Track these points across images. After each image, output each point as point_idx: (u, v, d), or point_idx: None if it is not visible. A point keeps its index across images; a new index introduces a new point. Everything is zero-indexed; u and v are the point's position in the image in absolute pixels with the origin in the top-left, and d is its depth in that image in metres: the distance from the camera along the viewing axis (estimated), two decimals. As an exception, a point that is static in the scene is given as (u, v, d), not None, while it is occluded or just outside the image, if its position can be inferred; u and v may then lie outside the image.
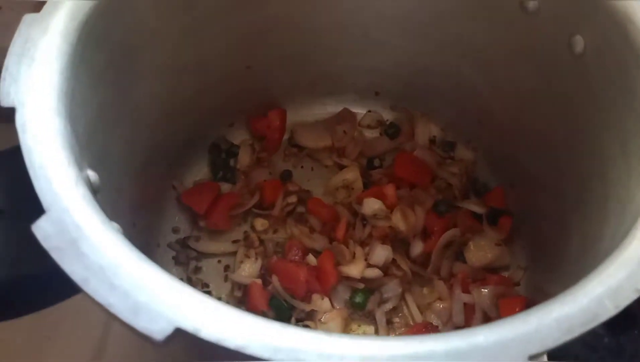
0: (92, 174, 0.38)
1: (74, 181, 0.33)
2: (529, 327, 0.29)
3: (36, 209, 0.32)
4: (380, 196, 0.64)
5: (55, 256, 0.30)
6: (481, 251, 0.62)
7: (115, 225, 0.35)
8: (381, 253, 0.61)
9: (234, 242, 0.65)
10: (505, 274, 0.62)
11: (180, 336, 0.28)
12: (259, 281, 0.61)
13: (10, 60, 0.36)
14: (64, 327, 0.62)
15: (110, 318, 0.61)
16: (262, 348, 0.27)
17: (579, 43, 0.48)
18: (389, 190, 0.64)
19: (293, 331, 0.28)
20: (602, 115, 0.48)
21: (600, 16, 0.45)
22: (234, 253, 0.64)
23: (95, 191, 0.39)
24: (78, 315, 0.63)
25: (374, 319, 0.60)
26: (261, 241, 0.65)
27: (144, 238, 0.60)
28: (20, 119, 0.34)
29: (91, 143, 0.42)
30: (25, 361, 0.61)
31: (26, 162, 0.33)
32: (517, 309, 0.56)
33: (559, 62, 0.51)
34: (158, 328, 0.28)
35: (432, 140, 0.71)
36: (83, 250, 0.30)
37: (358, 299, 0.60)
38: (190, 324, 0.28)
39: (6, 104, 0.35)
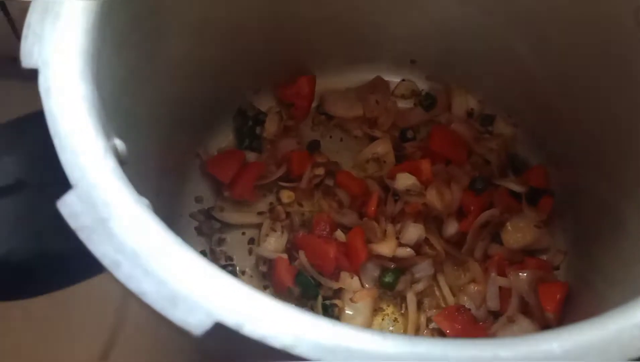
0: (119, 143, 0.35)
1: (102, 153, 0.30)
2: (606, 333, 0.26)
3: (61, 181, 0.29)
4: (415, 171, 0.60)
5: (83, 236, 0.27)
6: (519, 232, 0.59)
7: (145, 201, 0.33)
8: (413, 232, 0.58)
9: (259, 213, 0.62)
10: (544, 257, 0.59)
11: (219, 331, 0.25)
12: (285, 256, 0.58)
13: (32, 16, 0.33)
14: (79, 308, 0.60)
15: (127, 301, 0.59)
16: (312, 348, 0.25)
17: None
18: (425, 165, 0.60)
19: (346, 330, 0.25)
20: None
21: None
22: (259, 225, 0.61)
23: (123, 162, 0.36)
24: (93, 296, 0.60)
25: (404, 299, 0.58)
26: (287, 214, 0.62)
27: (167, 208, 0.58)
28: (44, 82, 0.31)
29: (117, 109, 0.39)
30: (45, 326, 0.60)
31: (51, 130, 0.30)
32: (558, 296, 0.53)
33: (622, 34, 0.46)
34: (196, 321, 0.25)
35: (470, 113, 0.67)
36: (114, 230, 0.27)
37: (388, 278, 0.57)
38: (232, 319, 0.25)
39: (28, 65, 0.32)
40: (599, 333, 0.26)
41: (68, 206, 0.28)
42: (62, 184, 0.29)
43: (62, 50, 0.33)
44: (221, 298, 0.26)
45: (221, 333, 0.25)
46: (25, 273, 0.31)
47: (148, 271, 0.26)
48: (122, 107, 0.41)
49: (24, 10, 0.34)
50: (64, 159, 0.29)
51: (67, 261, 0.31)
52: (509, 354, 0.25)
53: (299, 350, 0.25)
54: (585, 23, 0.50)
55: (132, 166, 0.41)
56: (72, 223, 0.27)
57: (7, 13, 0.67)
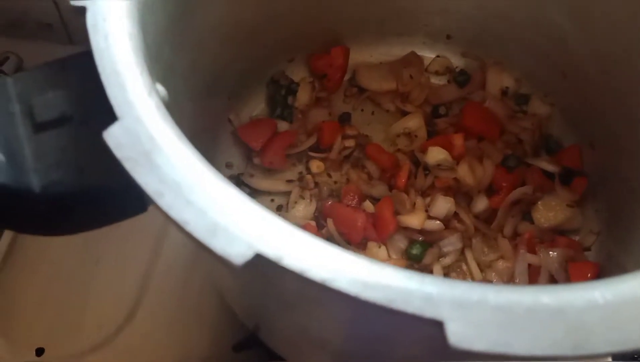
0: (161, 89, 0.36)
1: (147, 90, 0.30)
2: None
3: (106, 118, 0.29)
4: (447, 146, 0.60)
5: (128, 166, 0.27)
6: (551, 211, 0.58)
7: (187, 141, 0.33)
8: (443, 205, 0.58)
9: (289, 181, 0.62)
10: (576, 238, 0.58)
11: (259, 262, 0.25)
12: (313, 223, 0.59)
13: (81, -45, 0.33)
14: (112, 253, 0.62)
15: (159, 248, 0.60)
16: (350, 283, 0.25)
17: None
18: (457, 140, 0.60)
19: (385, 267, 0.25)
20: None
21: None
22: (288, 193, 0.62)
23: (165, 105, 0.36)
24: (127, 242, 0.62)
25: (431, 273, 0.57)
26: (316, 184, 0.62)
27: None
28: (91, 19, 0.31)
29: (159, 57, 0.40)
30: (73, 285, 0.61)
31: (97, 65, 0.30)
32: (588, 275, 0.53)
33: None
34: (237, 252, 0.25)
35: (504, 92, 0.66)
36: (157, 162, 0.27)
37: (415, 251, 0.57)
38: (273, 251, 0.25)
39: (77, 2, 0.32)
40: (642, 285, 0.25)
41: (114, 137, 0.28)
42: (107, 120, 0.29)
43: (109, -9, 0.33)
44: (261, 230, 0.26)
45: (261, 264, 0.25)
46: (65, 207, 0.31)
47: (190, 201, 0.26)
48: (163, 57, 0.41)
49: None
50: (110, 93, 0.29)
51: (107, 198, 0.31)
52: (550, 300, 0.24)
53: (338, 284, 0.25)
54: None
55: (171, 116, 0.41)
56: (118, 153, 0.27)
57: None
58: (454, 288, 0.25)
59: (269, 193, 0.62)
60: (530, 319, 0.24)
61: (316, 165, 0.63)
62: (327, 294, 0.25)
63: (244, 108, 0.65)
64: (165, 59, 0.41)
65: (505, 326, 0.24)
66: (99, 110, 0.30)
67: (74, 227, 0.33)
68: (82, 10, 0.32)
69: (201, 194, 0.27)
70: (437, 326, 0.24)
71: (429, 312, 0.24)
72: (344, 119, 0.66)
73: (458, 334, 0.24)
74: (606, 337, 0.24)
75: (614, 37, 0.52)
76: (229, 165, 0.63)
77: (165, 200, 0.26)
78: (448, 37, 0.67)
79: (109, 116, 0.29)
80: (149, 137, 0.28)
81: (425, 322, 0.24)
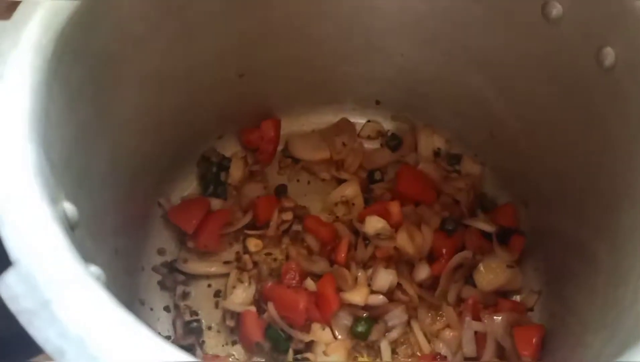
0: (69, 208, 0.33)
1: (47, 223, 0.28)
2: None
3: (4, 257, 0.27)
4: (384, 214, 0.59)
5: (24, 320, 0.25)
6: (492, 273, 0.58)
7: (96, 270, 0.31)
8: (385, 278, 0.57)
9: (226, 263, 0.60)
10: (517, 298, 0.58)
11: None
12: (253, 309, 0.56)
13: (-28, 78, 0.31)
14: None
15: None
16: None
17: (609, 55, 0.44)
18: (394, 207, 0.59)
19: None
20: (632, 133, 0.44)
21: (634, 25, 0.41)
22: (226, 276, 0.59)
23: (72, 226, 0.34)
24: None
25: (379, 349, 0.56)
26: (255, 263, 0.60)
27: (127, 263, 0.55)
28: (-18, 151, 0.29)
29: (69, 168, 0.37)
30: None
31: (-11, 203, 0.28)
32: (534, 340, 0.52)
33: (584, 75, 0.47)
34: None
35: (436, 153, 0.66)
36: (58, 314, 0.25)
37: (361, 328, 0.55)
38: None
39: (-34, 130, 0.30)
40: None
41: (8, 287, 0.25)
42: (5, 260, 0.26)
43: (5, 114, 0.31)
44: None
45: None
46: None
47: (95, 359, 0.24)
48: (74, 166, 0.39)
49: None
50: (3, 233, 0.27)
51: (7, 343, 0.28)
52: None
53: None
54: (548, 67, 0.50)
55: (86, 227, 0.39)
56: (13, 307, 0.25)
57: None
58: None
59: (205, 277, 0.60)
60: None
61: (254, 244, 0.61)
62: None
63: (174, 189, 0.63)
64: (75, 168, 0.39)
65: None
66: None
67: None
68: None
69: (108, 349, 0.24)
70: None
71: None
72: (280, 191, 0.64)
73: None
74: None
75: (534, 102, 0.53)
76: (161, 252, 0.60)
77: (67, 359, 0.24)
78: (377, 102, 0.67)
79: (6, 257, 0.27)
80: (47, 282, 0.26)
81: None
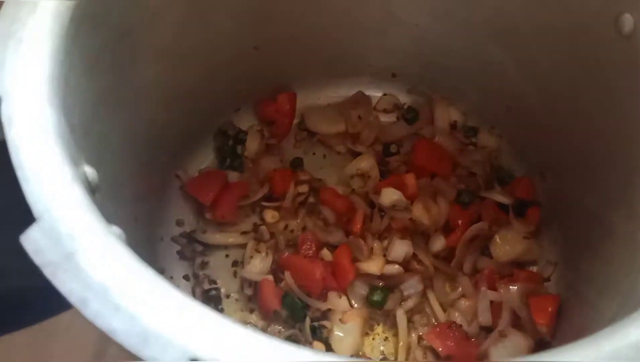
0: (89, 171, 0.34)
1: (69, 183, 0.29)
2: (601, 354, 0.25)
3: (27, 213, 0.27)
4: (400, 186, 0.59)
5: (49, 272, 0.25)
6: (508, 244, 0.58)
7: (117, 230, 0.31)
8: (401, 248, 0.57)
9: (243, 233, 0.61)
10: (534, 269, 0.58)
11: (196, 367, 0.24)
12: (271, 278, 0.57)
13: (-7, 42, 0.31)
14: (59, 344, 0.58)
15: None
16: (293, 384, 0.23)
17: (628, 22, 0.43)
18: (410, 179, 0.59)
19: (335, 359, 0.24)
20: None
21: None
22: (243, 246, 0.60)
23: (93, 190, 0.34)
24: (72, 331, 0.59)
25: (394, 318, 0.56)
26: (272, 234, 0.60)
27: (147, 232, 0.56)
28: (6, 111, 0.30)
29: (88, 134, 0.38)
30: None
31: (13, 161, 0.28)
32: (549, 309, 0.52)
33: (603, 44, 0.46)
34: (170, 359, 0.24)
35: (453, 126, 0.66)
36: (81, 265, 0.26)
37: (376, 297, 0.56)
38: (208, 354, 0.24)
39: (-10, 92, 0.30)
40: (593, 354, 0.25)
41: (32, 241, 0.26)
42: (27, 218, 0.27)
43: (25, 77, 0.31)
44: (197, 333, 0.24)
45: (197, 371, 0.24)
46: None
47: (118, 307, 0.25)
48: (93, 132, 0.39)
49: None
50: (27, 190, 0.28)
51: (33, 298, 0.29)
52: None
53: (281, 387, 0.23)
54: (567, 37, 0.49)
55: (106, 192, 0.40)
56: (37, 259, 0.26)
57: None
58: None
59: (223, 247, 0.61)
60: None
61: (271, 215, 0.61)
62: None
63: (192, 162, 0.63)
64: (96, 133, 0.40)
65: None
66: (19, 206, 0.28)
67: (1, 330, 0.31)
68: (-4, 101, 0.31)
69: (131, 297, 0.25)
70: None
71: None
72: (296, 165, 0.65)
73: None
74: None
75: (553, 73, 0.53)
76: (179, 223, 0.61)
77: (91, 308, 0.25)
78: (393, 75, 0.67)
79: (29, 215, 0.27)
80: (70, 236, 0.27)
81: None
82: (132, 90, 0.47)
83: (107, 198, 0.39)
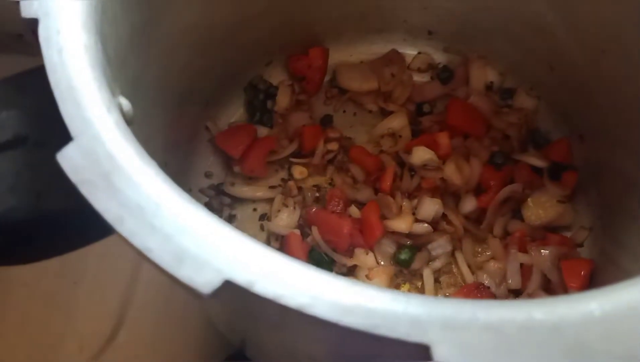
0: (125, 103, 0.34)
1: (106, 106, 0.28)
2: (650, 295, 0.24)
3: (63, 138, 0.27)
4: (432, 145, 0.58)
5: (85, 190, 0.25)
6: (541, 208, 0.56)
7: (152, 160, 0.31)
8: (430, 207, 0.56)
9: (271, 188, 0.61)
10: (567, 234, 0.57)
11: (230, 289, 0.24)
12: (298, 232, 0.57)
13: (31, -37, 0.31)
14: (91, 272, 0.59)
15: (139, 264, 0.58)
16: (330, 308, 0.23)
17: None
18: (443, 138, 0.58)
19: (366, 289, 0.23)
20: None
21: None
22: (271, 200, 0.60)
23: (128, 122, 0.34)
24: (106, 259, 0.60)
25: (421, 277, 0.56)
26: (299, 189, 0.60)
27: (175, 181, 0.56)
28: (44, 32, 0.29)
29: (123, 69, 0.38)
30: (52, 306, 0.59)
31: (51, 81, 0.28)
32: (582, 273, 0.51)
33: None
34: (204, 280, 0.23)
35: (489, 87, 0.64)
36: (118, 185, 0.25)
37: (404, 256, 0.55)
38: (244, 276, 0.23)
39: (28, 14, 0.30)
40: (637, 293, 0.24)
41: (69, 159, 0.26)
42: (64, 140, 0.27)
43: (64, 1, 0.31)
44: (231, 255, 0.24)
45: (231, 292, 0.23)
46: (23, 235, 0.29)
47: (154, 226, 0.24)
48: (128, 68, 0.39)
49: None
50: (64, 110, 0.27)
51: (69, 224, 0.29)
52: (544, 317, 0.23)
53: (316, 310, 0.23)
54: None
55: (138, 129, 0.39)
56: (73, 177, 0.25)
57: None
58: (442, 307, 0.23)
59: (251, 201, 0.60)
60: (523, 339, 0.22)
61: (299, 171, 0.61)
62: (305, 320, 0.23)
63: (221, 115, 0.63)
64: (131, 69, 0.39)
65: (496, 348, 0.22)
66: (56, 130, 0.28)
67: (33, 256, 0.31)
68: (34, 23, 0.30)
69: (166, 217, 0.25)
70: (424, 350, 0.22)
71: (415, 336, 0.22)
72: (326, 122, 0.64)
73: (446, 358, 0.22)
74: (609, 352, 0.22)
75: (601, 27, 0.50)
76: (208, 175, 0.61)
77: (127, 226, 0.24)
78: (429, 32, 0.65)
79: (66, 136, 0.27)
80: (108, 157, 0.26)
81: (412, 346, 0.22)
82: (166, 29, 0.46)
83: (139, 137, 0.39)
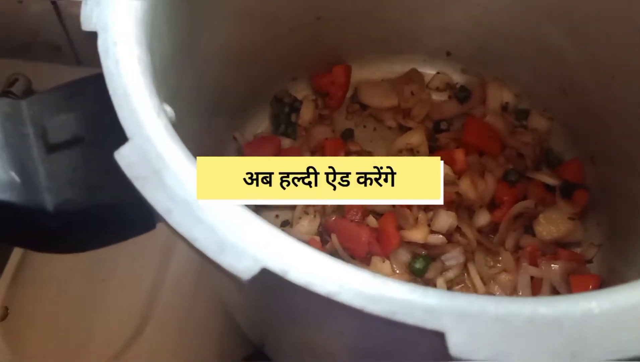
0: (168, 109, 0.37)
1: (156, 111, 0.31)
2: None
3: (115, 139, 0.30)
4: (449, 161, 0.61)
5: (139, 184, 0.28)
6: (552, 224, 0.59)
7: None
8: (445, 219, 0.58)
9: (293, 198, 0.63)
10: (577, 250, 0.59)
11: (266, 277, 0.26)
12: (318, 238, 0.59)
13: (92, -17, 0.34)
14: (120, 270, 0.62)
15: (166, 265, 0.60)
16: (354, 296, 0.25)
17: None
18: (459, 155, 0.61)
19: (388, 281, 0.26)
20: None
21: None
22: (292, 208, 0.63)
23: (173, 126, 0.37)
24: (134, 260, 0.63)
25: (435, 286, 0.58)
26: (320, 199, 0.63)
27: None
28: (102, 44, 0.33)
29: (166, 79, 0.41)
30: (82, 302, 0.62)
31: (109, 88, 0.31)
32: (590, 287, 0.53)
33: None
34: (244, 267, 0.26)
35: (504, 107, 0.67)
36: (167, 181, 0.28)
37: (418, 265, 0.58)
38: (278, 265, 0.26)
39: (88, 28, 0.34)
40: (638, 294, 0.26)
41: (125, 157, 0.29)
42: (116, 141, 0.30)
43: (119, 16, 0.34)
44: (267, 246, 0.27)
45: (267, 279, 0.26)
46: (77, 225, 0.32)
47: (198, 219, 0.27)
48: (169, 80, 0.42)
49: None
50: (121, 115, 0.30)
51: (117, 216, 0.32)
52: (548, 311, 0.25)
53: (343, 297, 0.25)
54: (629, 23, 0.50)
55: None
56: (129, 173, 0.28)
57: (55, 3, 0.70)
58: (455, 300, 0.26)
59: (274, 208, 0.63)
60: (529, 329, 0.25)
61: (320, 182, 0.64)
62: (332, 307, 0.26)
63: (248, 126, 0.66)
64: (171, 81, 0.42)
65: (505, 337, 0.25)
66: (108, 131, 0.31)
67: (85, 245, 0.34)
68: (93, 36, 0.34)
69: (209, 211, 0.28)
70: (439, 337, 0.25)
71: (430, 323, 0.25)
72: (347, 136, 0.67)
73: (459, 345, 0.24)
74: (603, 346, 0.25)
75: (613, 54, 0.53)
76: (234, 183, 0.64)
77: (175, 218, 0.27)
78: (448, 54, 0.68)
79: (118, 137, 0.30)
80: (158, 156, 0.29)
81: (427, 333, 0.25)
82: (202, 49, 0.50)
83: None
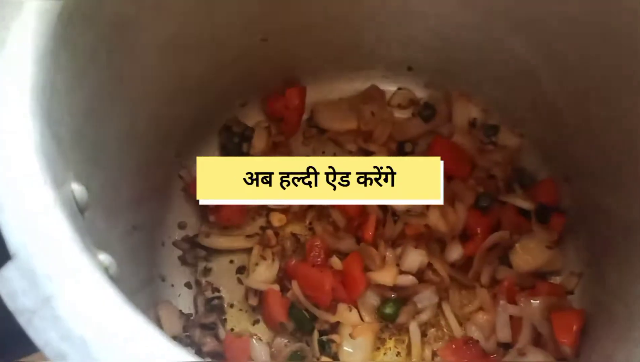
0: (77, 189, 0.31)
1: (50, 208, 0.26)
2: None
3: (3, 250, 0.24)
4: (415, 190, 0.56)
5: (23, 320, 0.22)
6: (529, 254, 0.54)
7: (106, 259, 0.28)
8: (415, 258, 0.54)
9: (248, 237, 0.58)
10: (557, 279, 0.55)
11: None
12: (277, 287, 0.54)
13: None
14: None
15: None
16: None
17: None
18: (426, 184, 0.56)
19: None
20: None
21: None
22: (248, 251, 0.57)
23: (82, 209, 0.31)
24: None
25: (407, 331, 0.53)
26: (277, 234, 0.57)
27: (147, 238, 0.53)
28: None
29: (79, 142, 0.35)
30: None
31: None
32: (574, 327, 0.49)
33: (635, 42, 0.42)
34: None
35: (472, 124, 0.62)
36: (59, 313, 0.23)
37: (389, 310, 0.53)
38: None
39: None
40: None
41: (6, 282, 0.23)
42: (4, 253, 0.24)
43: (6, 87, 0.28)
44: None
45: None
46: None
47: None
48: (85, 139, 0.36)
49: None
50: (2, 220, 0.24)
51: (7, 340, 0.26)
52: None
53: None
54: (598, 32, 0.45)
55: (101, 202, 0.37)
56: (11, 304, 0.23)
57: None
58: None
59: (227, 252, 0.58)
60: None
61: (277, 219, 0.58)
62: None
63: (195, 161, 0.60)
64: (88, 141, 0.36)
65: None
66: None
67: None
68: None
69: (111, 350, 0.22)
70: None
71: None
72: (305, 164, 0.61)
73: None
74: None
75: (585, 72, 0.48)
76: (182, 226, 0.58)
77: (70, 365, 0.22)
78: (409, 68, 0.63)
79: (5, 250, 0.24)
80: (48, 277, 0.23)
81: None
82: (132, 84, 0.44)
83: (99, 213, 0.36)
